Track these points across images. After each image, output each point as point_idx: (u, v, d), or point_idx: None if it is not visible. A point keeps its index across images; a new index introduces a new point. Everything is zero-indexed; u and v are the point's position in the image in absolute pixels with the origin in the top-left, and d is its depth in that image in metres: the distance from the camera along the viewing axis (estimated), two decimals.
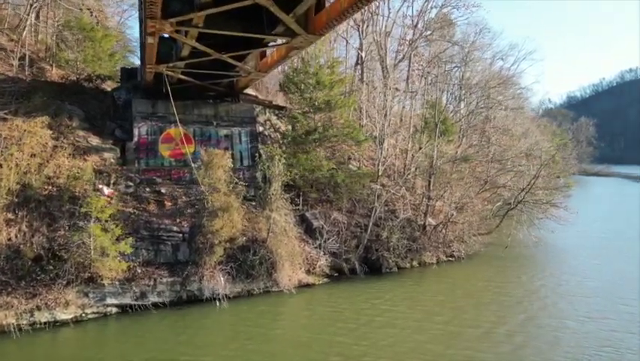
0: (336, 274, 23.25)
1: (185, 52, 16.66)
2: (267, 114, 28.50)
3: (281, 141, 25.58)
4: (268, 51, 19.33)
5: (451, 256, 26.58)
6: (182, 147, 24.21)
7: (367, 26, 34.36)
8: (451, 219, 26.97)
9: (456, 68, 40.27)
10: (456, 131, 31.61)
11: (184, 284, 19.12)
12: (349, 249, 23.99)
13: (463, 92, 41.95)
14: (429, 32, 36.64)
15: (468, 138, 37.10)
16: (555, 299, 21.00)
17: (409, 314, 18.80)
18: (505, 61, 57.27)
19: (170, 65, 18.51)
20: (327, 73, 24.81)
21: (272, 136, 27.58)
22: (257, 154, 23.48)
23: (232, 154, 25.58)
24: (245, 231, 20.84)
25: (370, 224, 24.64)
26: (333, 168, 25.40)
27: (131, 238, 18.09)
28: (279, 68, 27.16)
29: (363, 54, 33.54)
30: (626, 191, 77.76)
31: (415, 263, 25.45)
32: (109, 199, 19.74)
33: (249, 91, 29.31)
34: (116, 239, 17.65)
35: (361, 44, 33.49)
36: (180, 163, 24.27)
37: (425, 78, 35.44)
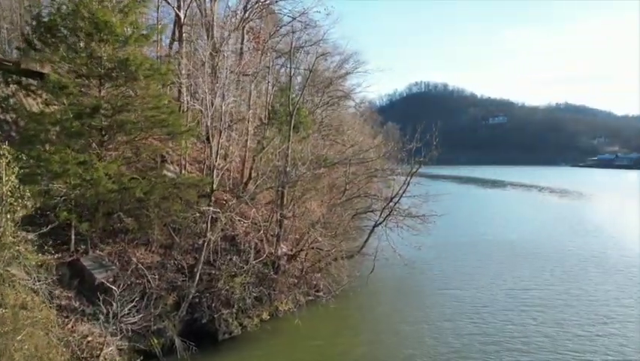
0: (140, 359, 13.53)
1: None
2: (12, 86, 16.57)
3: (32, 131, 14.23)
4: None
5: (314, 295, 19.37)
6: None
7: None
8: (311, 245, 19.81)
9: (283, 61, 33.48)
10: (311, 126, 24.72)
11: None
12: (163, 312, 14.45)
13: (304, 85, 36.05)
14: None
15: (314, 138, 30.83)
16: None
17: None
18: (328, 61, 54.07)
19: None
20: (119, 18, 14.60)
21: (20, 123, 15.88)
22: None
23: None
24: None
25: (199, 266, 15.58)
26: (133, 178, 15.37)
27: None
28: None
29: (182, 14, 23.86)
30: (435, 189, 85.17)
31: (265, 316, 17.34)
32: None
33: None
34: None
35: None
36: None
37: (263, 58, 27.48)
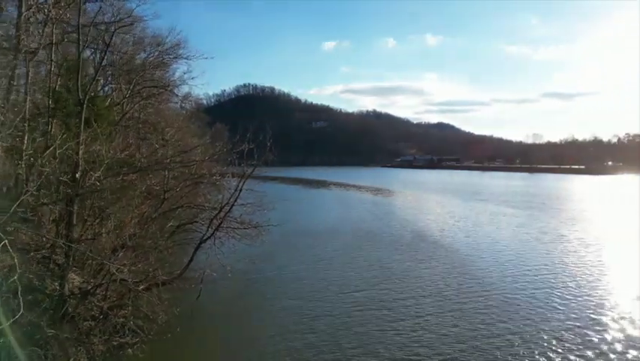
0: None
1: None
2: None
3: None
4: None
5: (119, 341, 14.87)
6: None
7: None
8: (114, 275, 15.26)
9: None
10: (114, 121, 19.62)
11: None
12: None
13: (109, 73, 29.86)
14: None
15: (125, 136, 25.58)
16: None
17: None
18: (147, 52, 47.52)
19: None
20: None
21: None
22: None
23: None
24: None
25: None
26: None
27: None
28: None
29: None
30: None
31: None
32: None
33: None
34: None
35: None
36: None
37: (45, 31, 20.87)
